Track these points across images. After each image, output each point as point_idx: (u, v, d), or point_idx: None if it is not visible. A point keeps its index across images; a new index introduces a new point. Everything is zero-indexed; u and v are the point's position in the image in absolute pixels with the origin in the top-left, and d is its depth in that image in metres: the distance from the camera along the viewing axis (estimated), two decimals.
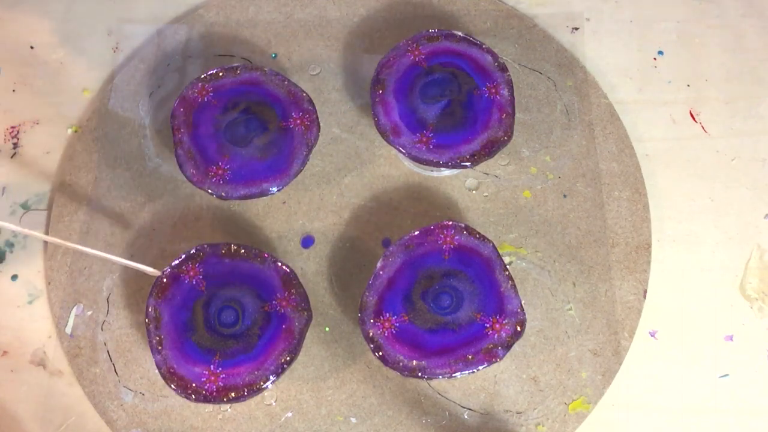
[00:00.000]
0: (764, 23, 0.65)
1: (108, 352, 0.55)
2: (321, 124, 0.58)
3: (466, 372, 0.48)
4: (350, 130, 0.61)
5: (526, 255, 0.57)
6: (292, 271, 0.51)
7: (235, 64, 0.57)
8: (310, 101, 0.56)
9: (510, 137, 0.55)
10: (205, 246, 0.52)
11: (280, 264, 0.52)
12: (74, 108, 0.63)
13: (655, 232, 0.58)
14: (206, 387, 0.48)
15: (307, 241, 0.58)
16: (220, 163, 0.54)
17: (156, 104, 0.62)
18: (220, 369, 0.49)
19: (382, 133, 0.55)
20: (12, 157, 0.61)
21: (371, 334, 0.49)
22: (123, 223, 0.58)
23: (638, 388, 0.54)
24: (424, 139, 0.55)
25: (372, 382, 0.54)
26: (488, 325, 0.49)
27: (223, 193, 0.53)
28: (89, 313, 0.56)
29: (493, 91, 0.56)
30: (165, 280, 0.51)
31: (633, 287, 0.56)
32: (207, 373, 0.49)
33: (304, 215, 0.58)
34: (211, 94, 0.56)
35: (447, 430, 0.52)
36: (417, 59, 0.57)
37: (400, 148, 0.55)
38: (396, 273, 0.51)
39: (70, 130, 0.62)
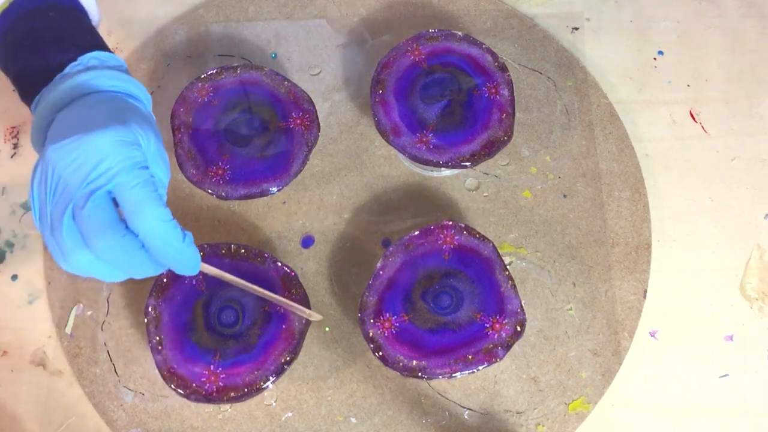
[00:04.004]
0: (764, 23, 0.65)
1: (108, 352, 0.55)
2: (321, 124, 0.58)
3: (466, 372, 0.48)
4: (350, 130, 0.61)
5: (526, 255, 0.57)
6: (292, 271, 0.51)
7: (235, 64, 0.57)
8: (310, 101, 0.56)
9: (510, 137, 0.55)
10: (205, 246, 0.52)
11: (280, 264, 0.52)
12: None
13: (655, 232, 0.58)
14: (206, 387, 0.48)
15: (307, 241, 0.58)
16: (220, 163, 0.54)
17: (156, 104, 0.62)
18: (220, 369, 0.49)
19: (382, 133, 0.55)
20: (12, 157, 0.61)
21: (371, 334, 0.49)
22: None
23: (638, 388, 0.54)
24: (424, 139, 0.55)
25: (372, 382, 0.54)
26: (488, 325, 0.49)
27: (223, 193, 0.53)
28: (89, 313, 0.56)
29: (493, 91, 0.56)
30: (165, 280, 0.51)
31: (633, 287, 0.56)
32: (207, 373, 0.49)
33: (304, 215, 0.58)
34: (211, 94, 0.56)
35: (447, 430, 0.52)
36: (417, 59, 0.57)
37: (400, 148, 0.55)
38: (396, 273, 0.51)
39: None
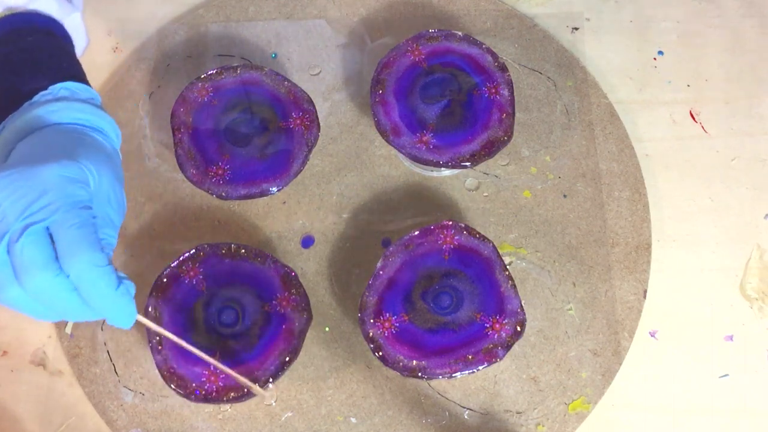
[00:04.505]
0: (764, 23, 0.65)
1: (108, 352, 0.55)
2: (321, 124, 0.58)
3: (466, 372, 0.48)
4: (350, 130, 0.61)
5: (526, 255, 0.57)
6: (292, 271, 0.52)
7: (235, 64, 0.57)
8: (310, 101, 0.56)
9: (510, 137, 0.55)
10: (205, 246, 0.52)
11: (280, 264, 0.52)
12: None
13: (655, 232, 0.58)
14: (206, 387, 0.48)
15: (307, 241, 0.58)
16: (220, 163, 0.54)
17: (156, 104, 0.62)
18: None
19: (382, 133, 0.55)
20: None
21: (371, 334, 0.49)
22: (123, 223, 0.58)
23: (638, 388, 0.54)
24: (424, 139, 0.55)
25: (372, 382, 0.54)
26: (488, 325, 0.49)
27: (223, 193, 0.53)
28: None
29: (493, 91, 0.56)
30: (165, 280, 0.51)
31: (633, 287, 0.56)
32: (207, 373, 0.49)
33: (304, 215, 0.58)
34: (211, 94, 0.56)
35: (447, 430, 0.52)
36: (417, 59, 0.57)
37: (400, 148, 0.55)
38: (396, 273, 0.51)
39: None
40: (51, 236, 0.37)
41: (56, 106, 0.42)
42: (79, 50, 0.49)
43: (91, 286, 0.37)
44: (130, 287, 0.39)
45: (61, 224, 0.36)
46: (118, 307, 0.38)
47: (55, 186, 0.37)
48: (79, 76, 0.46)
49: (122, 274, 0.38)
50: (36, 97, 0.42)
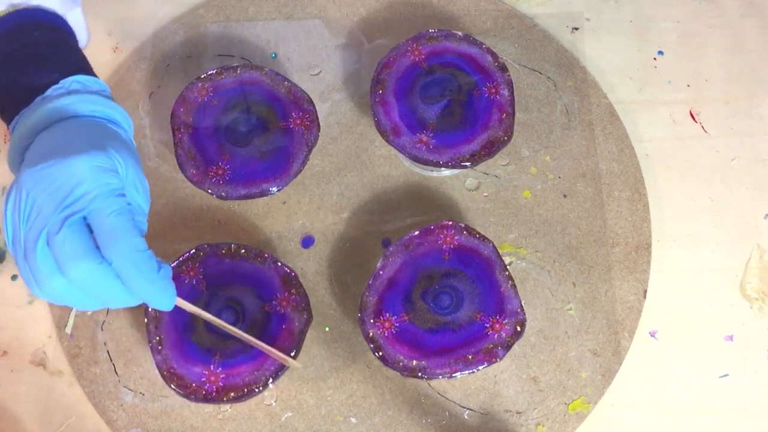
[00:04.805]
0: (764, 23, 0.65)
1: (108, 352, 0.55)
2: (321, 124, 0.58)
3: (466, 372, 0.48)
4: (350, 130, 0.61)
5: (526, 255, 0.57)
6: (292, 271, 0.52)
7: (235, 64, 0.57)
8: (310, 101, 0.56)
9: (510, 137, 0.55)
10: (205, 246, 0.52)
11: (280, 264, 0.52)
12: None
13: (655, 232, 0.58)
14: (206, 387, 0.48)
15: (307, 241, 0.58)
16: (220, 163, 0.54)
17: (156, 104, 0.62)
18: (220, 369, 0.49)
19: (382, 133, 0.55)
20: None
21: (371, 334, 0.49)
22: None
23: (638, 388, 0.54)
24: (424, 139, 0.55)
25: (372, 382, 0.54)
26: (488, 325, 0.49)
27: (223, 193, 0.53)
28: (89, 313, 0.56)
29: (493, 91, 0.56)
30: None
31: (633, 287, 0.56)
32: (207, 373, 0.49)
33: (304, 215, 0.58)
34: (211, 94, 0.56)
35: (447, 430, 0.52)
36: (417, 59, 0.57)
37: (400, 148, 0.55)
38: (396, 273, 0.51)
39: None
40: (88, 226, 0.38)
41: (70, 99, 0.42)
42: (81, 45, 0.49)
43: (135, 270, 0.37)
44: (169, 270, 0.40)
45: (99, 213, 0.37)
46: (161, 289, 0.39)
47: (89, 176, 0.38)
48: (87, 68, 0.46)
49: (159, 258, 0.39)
50: (48, 92, 0.43)
